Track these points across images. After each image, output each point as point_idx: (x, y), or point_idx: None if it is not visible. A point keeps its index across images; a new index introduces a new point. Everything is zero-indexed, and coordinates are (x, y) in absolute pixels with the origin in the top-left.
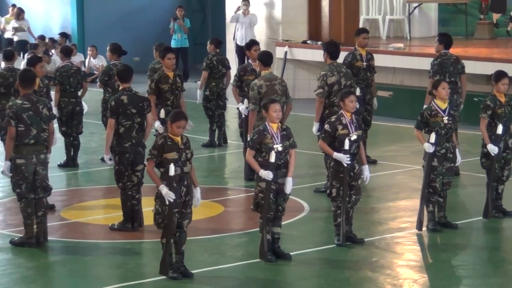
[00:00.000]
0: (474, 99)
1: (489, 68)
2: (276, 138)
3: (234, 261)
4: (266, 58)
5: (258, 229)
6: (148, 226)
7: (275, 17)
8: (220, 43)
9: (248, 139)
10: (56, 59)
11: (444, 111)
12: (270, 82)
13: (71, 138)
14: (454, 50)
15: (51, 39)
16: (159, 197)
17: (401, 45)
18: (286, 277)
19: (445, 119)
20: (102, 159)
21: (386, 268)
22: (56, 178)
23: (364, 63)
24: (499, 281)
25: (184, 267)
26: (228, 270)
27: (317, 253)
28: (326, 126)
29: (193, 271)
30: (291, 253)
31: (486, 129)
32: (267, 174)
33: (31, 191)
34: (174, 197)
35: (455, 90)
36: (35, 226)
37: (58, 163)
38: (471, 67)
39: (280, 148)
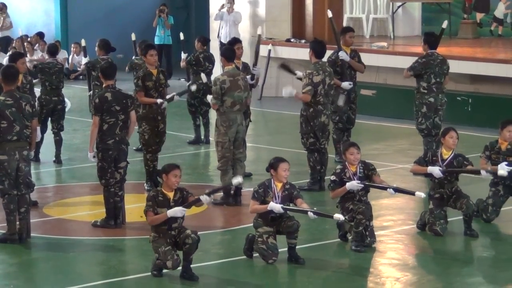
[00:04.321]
0: (458, 98)
1: (472, 68)
2: (277, 198)
3: (217, 259)
4: (229, 54)
5: (241, 226)
6: (131, 223)
7: (259, 15)
8: (207, 41)
9: (253, 190)
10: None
11: (444, 161)
12: (233, 78)
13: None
14: (437, 49)
15: (38, 35)
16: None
17: (385, 44)
18: (269, 275)
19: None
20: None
21: (369, 267)
22: (39, 174)
23: None
24: (480, 280)
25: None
26: (211, 268)
27: (299, 251)
28: (332, 177)
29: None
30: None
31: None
32: (276, 206)
33: (13, 187)
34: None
35: (440, 90)
36: (17, 223)
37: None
38: (454, 66)
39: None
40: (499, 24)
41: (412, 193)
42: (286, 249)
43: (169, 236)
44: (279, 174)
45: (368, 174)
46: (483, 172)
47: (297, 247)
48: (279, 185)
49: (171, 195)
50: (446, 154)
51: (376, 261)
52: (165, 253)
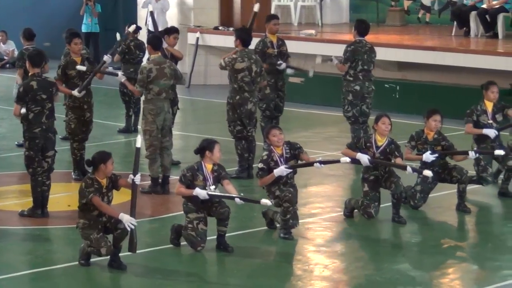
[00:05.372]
0: (385, 85)
1: (400, 55)
2: (209, 179)
3: (145, 247)
4: (156, 42)
5: (170, 214)
6: (58, 212)
7: (187, 2)
8: (138, 28)
9: (181, 173)
10: None
11: (378, 147)
12: (159, 66)
13: None
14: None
15: None
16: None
17: (313, 31)
18: (197, 263)
19: (377, 155)
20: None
21: (297, 254)
22: None
23: (275, 50)
24: (407, 266)
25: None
26: (139, 256)
27: (228, 239)
28: (260, 165)
29: (104, 257)
30: None
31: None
32: (202, 193)
33: None
34: (135, 223)
35: (367, 78)
36: None
37: None
38: (382, 53)
39: (213, 188)
40: (427, 11)
41: (337, 161)
42: (215, 237)
43: (100, 222)
44: (215, 156)
45: (295, 153)
46: (408, 169)
47: (226, 235)
48: (210, 166)
49: (104, 182)
50: (381, 141)
51: (305, 248)
52: (97, 240)
